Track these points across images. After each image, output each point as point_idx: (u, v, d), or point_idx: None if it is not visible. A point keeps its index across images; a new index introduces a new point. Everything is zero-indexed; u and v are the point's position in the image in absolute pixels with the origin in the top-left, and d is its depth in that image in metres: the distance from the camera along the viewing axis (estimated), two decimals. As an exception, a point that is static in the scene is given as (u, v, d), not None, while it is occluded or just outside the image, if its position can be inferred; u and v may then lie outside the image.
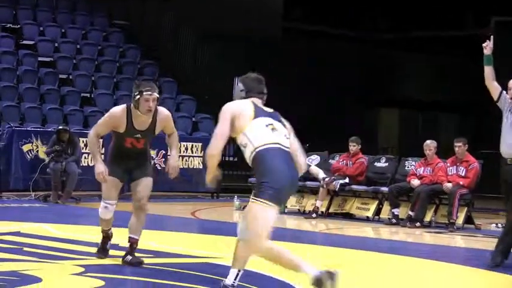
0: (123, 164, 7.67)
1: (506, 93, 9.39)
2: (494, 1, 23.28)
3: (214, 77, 21.65)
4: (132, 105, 7.51)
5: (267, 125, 6.30)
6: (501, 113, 9.66)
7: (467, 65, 23.01)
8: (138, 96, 7.40)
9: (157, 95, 7.61)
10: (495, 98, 9.50)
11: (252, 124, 6.27)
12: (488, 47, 9.30)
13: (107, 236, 8.17)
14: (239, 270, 6.28)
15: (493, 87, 9.37)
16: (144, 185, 7.62)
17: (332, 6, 25.72)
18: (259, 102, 6.43)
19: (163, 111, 7.79)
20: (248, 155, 6.26)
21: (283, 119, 6.50)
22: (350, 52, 25.46)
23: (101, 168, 7.62)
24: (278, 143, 6.23)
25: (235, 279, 6.23)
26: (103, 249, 8.24)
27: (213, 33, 22.40)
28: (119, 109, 7.79)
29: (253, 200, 6.26)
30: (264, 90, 6.59)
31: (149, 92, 7.36)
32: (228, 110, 6.35)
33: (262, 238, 6.27)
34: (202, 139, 18.53)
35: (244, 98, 6.48)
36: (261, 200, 6.18)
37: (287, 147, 6.31)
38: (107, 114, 7.92)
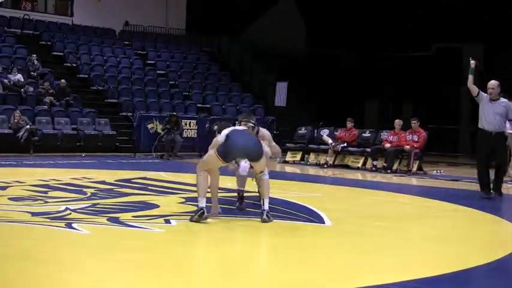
0: None
1: (484, 92, 11.22)
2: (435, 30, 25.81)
3: (264, 81, 26.43)
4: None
5: (231, 129, 8.03)
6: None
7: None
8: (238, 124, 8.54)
9: (252, 124, 8.58)
10: (474, 94, 11.29)
11: (225, 132, 7.99)
12: (473, 62, 11.15)
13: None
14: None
15: (473, 88, 11.22)
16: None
17: (334, 39, 29.12)
18: (240, 126, 8.36)
19: (263, 131, 8.95)
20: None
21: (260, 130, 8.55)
22: (347, 66, 29.37)
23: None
24: (234, 129, 8.04)
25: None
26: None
27: (262, 53, 27.47)
28: None
29: (214, 150, 8.04)
30: (245, 119, 8.57)
31: (244, 122, 8.58)
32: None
33: (202, 167, 7.97)
34: (256, 120, 23.46)
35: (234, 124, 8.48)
36: (216, 150, 7.98)
37: (241, 128, 8.12)
38: None
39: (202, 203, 7.73)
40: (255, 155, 7.98)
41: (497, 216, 9.88)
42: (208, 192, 8.10)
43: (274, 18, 29.89)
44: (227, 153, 7.88)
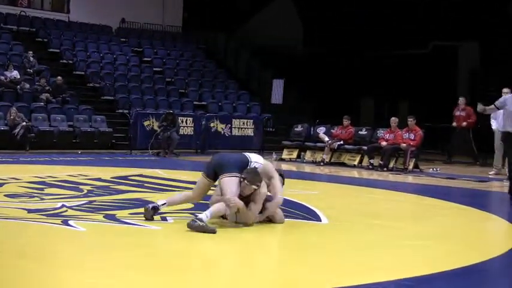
0: None
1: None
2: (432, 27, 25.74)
3: (261, 79, 26.67)
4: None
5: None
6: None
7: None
8: (246, 182, 7.38)
9: (256, 187, 7.38)
10: (498, 109, 11.33)
11: None
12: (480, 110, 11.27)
13: None
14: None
15: (491, 109, 11.47)
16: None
17: (330, 37, 28.90)
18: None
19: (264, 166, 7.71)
20: None
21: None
22: (343, 64, 29.06)
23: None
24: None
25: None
26: None
27: (259, 51, 27.60)
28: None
29: None
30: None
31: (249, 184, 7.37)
32: None
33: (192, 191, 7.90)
34: (252, 117, 22.72)
35: None
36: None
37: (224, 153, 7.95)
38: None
39: (161, 202, 7.67)
40: (220, 164, 7.52)
41: (493, 214, 9.90)
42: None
43: (271, 15, 29.94)
44: (207, 165, 7.79)
